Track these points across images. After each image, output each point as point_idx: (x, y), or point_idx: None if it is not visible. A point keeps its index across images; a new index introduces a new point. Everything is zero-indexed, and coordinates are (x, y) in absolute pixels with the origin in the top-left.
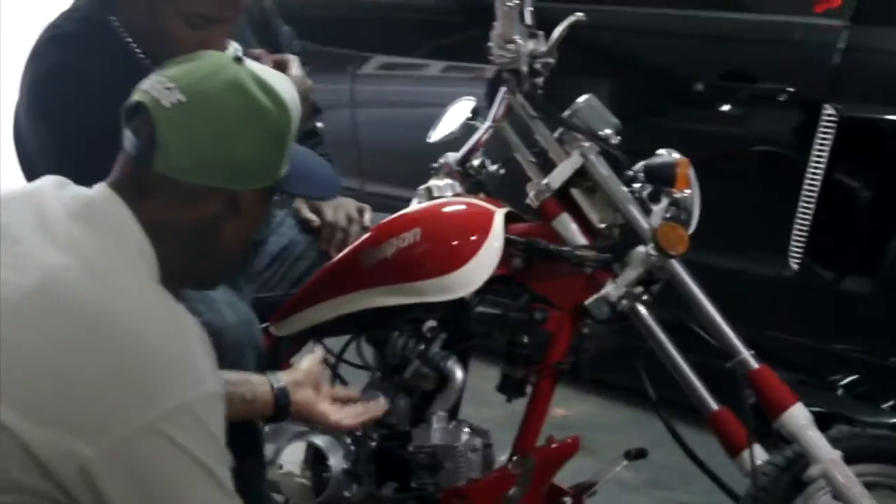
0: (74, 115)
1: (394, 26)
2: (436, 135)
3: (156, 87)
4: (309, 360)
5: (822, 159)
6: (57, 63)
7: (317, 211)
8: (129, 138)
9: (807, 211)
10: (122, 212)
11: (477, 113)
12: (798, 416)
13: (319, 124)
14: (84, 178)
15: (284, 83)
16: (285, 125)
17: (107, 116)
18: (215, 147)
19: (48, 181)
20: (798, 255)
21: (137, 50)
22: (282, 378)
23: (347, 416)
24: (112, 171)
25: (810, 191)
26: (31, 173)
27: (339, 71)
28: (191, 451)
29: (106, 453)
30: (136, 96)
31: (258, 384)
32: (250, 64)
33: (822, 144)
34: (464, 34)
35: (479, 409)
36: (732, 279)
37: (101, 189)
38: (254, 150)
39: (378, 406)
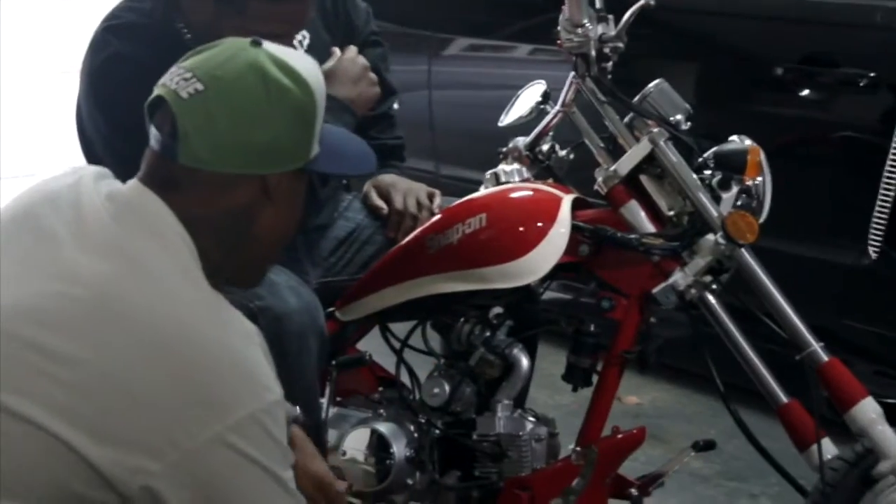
0: (131, 106)
1: (474, 7)
2: (507, 119)
3: (174, 80)
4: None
5: None
6: (115, 53)
7: (386, 197)
8: (153, 134)
9: (886, 198)
10: (160, 208)
11: (548, 97)
12: (868, 411)
13: (395, 105)
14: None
15: (306, 62)
16: (309, 104)
17: None
18: (236, 132)
19: (88, 173)
20: (877, 243)
21: None
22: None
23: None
24: (141, 167)
25: (891, 178)
26: (91, 160)
27: (417, 52)
28: (258, 459)
29: (172, 467)
30: (157, 90)
31: None
32: (269, 46)
33: None
34: (546, 16)
35: (553, 395)
36: (810, 267)
37: (134, 186)
38: (276, 131)
39: None
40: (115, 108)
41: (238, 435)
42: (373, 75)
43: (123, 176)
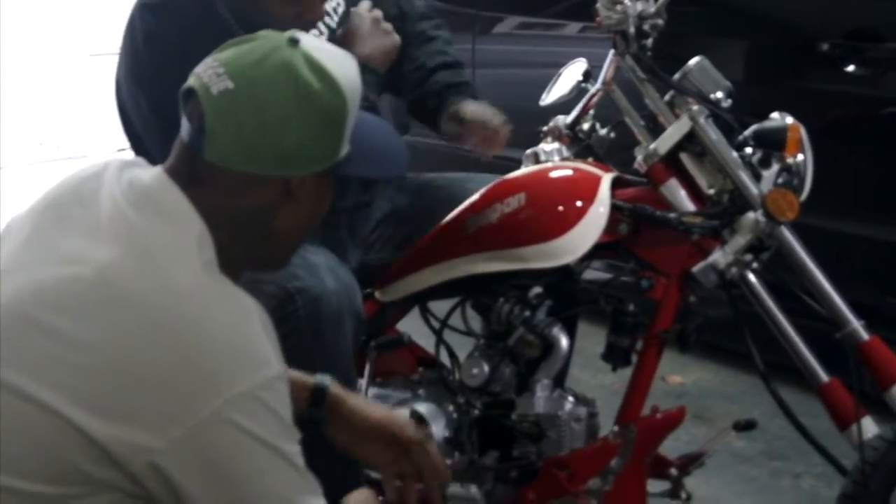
0: (171, 85)
1: None
2: (548, 98)
3: (208, 73)
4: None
5: None
6: (154, 31)
7: (456, 118)
8: (184, 124)
9: None
10: (179, 199)
11: (589, 76)
12: None
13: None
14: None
15: (343, 62)
16: (339, 108)
17: None
18: (263, 135)
19: (115, 162)
20: None
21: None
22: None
23: None
24: (170, 156)
25: None
26: (132, 138)
27: (461, 31)
28: (258, 434)
29: (175, 444)
30: (190, 80)
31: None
32: (306, 44)
33: None
34: None
35: (596, 374)
36: (854, 244)
37: (157, 175)
38: (304, 136)
39: None
40: (154, 87)
41: (237, 410)
42: (386, 25)
43: (163, 155)
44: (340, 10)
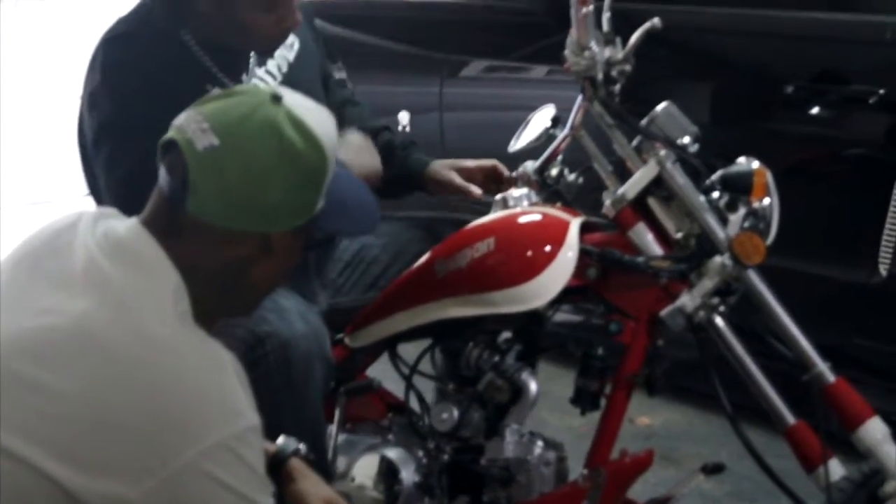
0: (125, 105)
1: (484, 29)
2: (517, 144)
3: (191, 126)
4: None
5: None
6: (117, 60)
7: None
8: (163, 176)
9: None
10: (155, 250)
11: (558, 121)
12: (875, 431)
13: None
14: (115, 167)
15: (323, 119)
16: (320, 166)
17: (160, 119)
18: (246, 192)
19: (89, 213)
20: (888, 261)
21: (209, 62)
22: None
23: None
24: (146, 206)
25: None
26: (93, 188)
27: (429, 74)
28: (231, 485)
29: (149, 494)
30: (172, 132)
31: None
32: (289, 101)
33: None
34: (557, 37)
35: (564, 417)
36: (821, 285)
37: (132, 226)
38: (286, 193)
39: None
40: (108, 110)
41: (211, 461)
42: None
43: (126, 201)
44: (296, 47)
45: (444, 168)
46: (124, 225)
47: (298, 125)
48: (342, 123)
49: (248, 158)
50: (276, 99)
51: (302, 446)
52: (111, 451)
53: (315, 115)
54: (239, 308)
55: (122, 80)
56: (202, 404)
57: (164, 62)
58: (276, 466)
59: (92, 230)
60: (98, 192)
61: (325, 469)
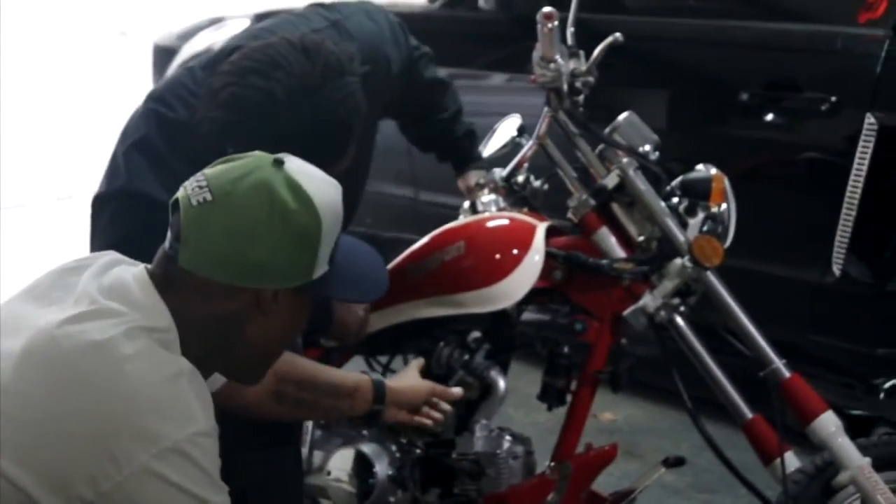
0: (143, 188)
1: (449, 38)
2: (484, 152)
3: (192, 185)
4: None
5: (864, 167)
6: (167, 149)
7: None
8: (169, 232)
9: (849, 217)
10: (153, 297)
11: (523, 130)
12: (828, 424)
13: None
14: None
15: (324, 187)
16: (313, 229)
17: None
18: (231, 246)
19: (103, 259)
20: (841, 261)
21: None
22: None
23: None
24: (153, 260)
25: (853, 198)
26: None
27: None
28: (184, 486)
29: (105, 496)
30: (178, 192)
31: (360, 379)
32: (291, 166)
33: (864, 152)
34: (522, 45)
35: (530, 413)
36: (777, 284)
37: (139, 275)
38: (272, 251)
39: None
40: (131, 186)
41: (164, 464)
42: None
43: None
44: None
45: (473, 176)
46: (131, 272)
47: (294, 188)
48: (421, 104)
49: (235, 214)
50: (278, 163)
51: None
52: (68, 456)
53: (317, 183)
54: (239, 371)
55: (165, 172)
56: (154, 410)
57: (188, 157)
58: (381, 392)
59: (98, 274)
60: None
61: (296, 458)
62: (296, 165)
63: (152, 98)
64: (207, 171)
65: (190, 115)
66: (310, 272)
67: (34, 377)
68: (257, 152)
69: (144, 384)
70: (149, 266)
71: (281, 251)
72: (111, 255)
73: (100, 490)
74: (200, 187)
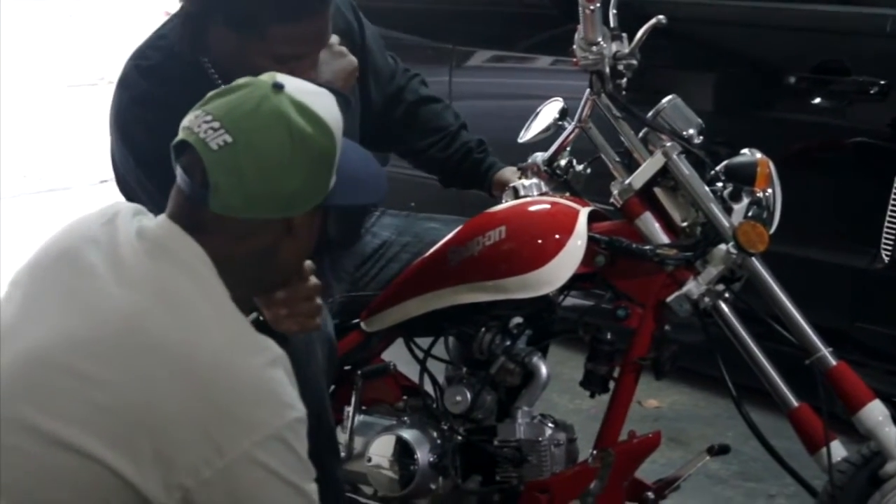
0: (160, 146)
1: (492, 20)
2: (526, 135)
3: (201, 126)
4: None
5: None
6: (142, 93)
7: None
8: (181, 176)
9: None
10: (190, 244)
11: (566, 114)
12: (875, 413)
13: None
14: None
15: (326, 101)
16: (331, 148)
17: None
18: (266, 184)
19: (124, 210)
20: (890, 247)
21: None
22: None
23: None
24: (169, 204)
25: None
26: (126, 194)
27: (438, 64)
28: (282, 474)
29: (206, 483)
30: (183, 134)
31: None
32: (290, 88)
33: None
34: (562, 28)
35: (574, 399)
36: (824, 271)
37: (164, 224)
38: (302, 178)
39: None
40: (144, 148)
41: (264, 451)
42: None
43: (156, 211)
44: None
45: (509, 171)
46: (155, 223)
47: (304, 111)
48: (415, 122)
49: (262, 151)
50: (279, 87)
51: None
52: (169, 444)
53: (318, 99)
54: (269, 287)
55: (155, 115)
56: (256, 398)
57: (190, 93)
58: None
59: (130, 229)
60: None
61: (332, 443)
62: (292, 85)
63: (131, 57)
64: (210, 108)
65: (165, 55)
66: (328, 186)
67: (124, 365)
68: (249, 78)
69: (244, 372)
70: (168, 213)
71: (308, 177)
72: (128, 205)
73: (201, 477)
74: (213, 129)
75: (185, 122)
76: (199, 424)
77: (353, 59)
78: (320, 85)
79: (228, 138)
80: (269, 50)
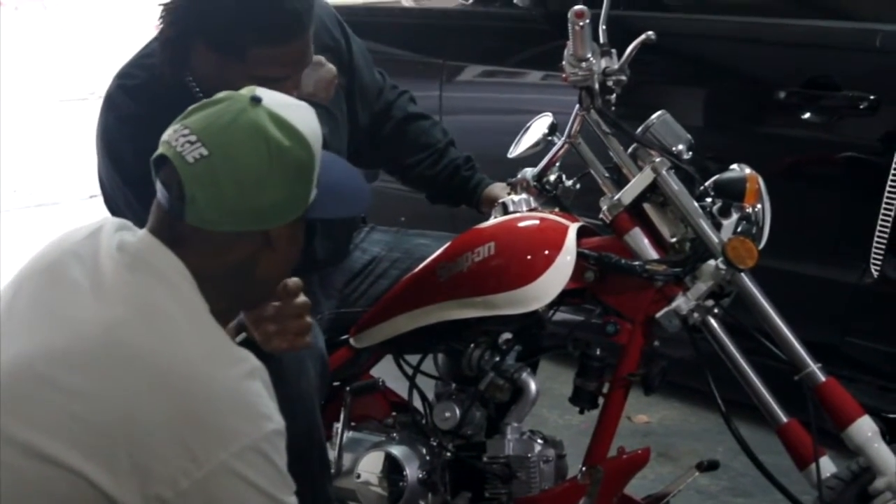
0: (145, 163)
1: (482, 35)
2: (515, 151)
3: (178, 140)
4: None
5: None
6: (129, 113)
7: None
8: (160, 190)
9: (888, 218)
10: (170, 258)
11: (555, 129)
12: (864, 429)
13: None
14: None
15: (303, 113)
16: (308, 160)
17: None
18: (241, 196)
19: (107, 225)
20: (879, 262)
21: None
22: None
23: None
24: (149, 218)
25: (892, 198)
26: (114, 213)
27: (428, 79)
28: (261, 486)
29: (184, 494)
30: (161, 149)
31: None
32: (268, 101)
33: None
34: (556, 42)
35: (563, 415)
36: (814, 286)
37: (144, 238)
38: (279, 191)
39: None
40: (131, 168)
41: (242, 462)
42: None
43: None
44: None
45: (498, 187)
46: (136, 237)
47: (281, 123)
48: (403, 139)
49: (239, 165)
50: (256, 101)
51: None
52: (146, 455)
53: (296, 112)
54: (252, 301)
55: (142, 135)
56: (232, 408)
57: (175, 111)
58: None
59: (111, 243)
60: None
61: (323, 460)
62: (270, 98)
63: (116, 76)
64: (188, 122)
65: (150, 75)
66: (308, 199)
67: (103, 377)
68: (227, 92)
69: (222, 383)
70: (148, 227)
71: (286, 189)
72: (113, 220)
73: (179, 489)
74: (190, 142)
75: (165, 136)
76: (176, 435)
77: (331, 68)
78: (301, 97)
79: (205, 151)
80: (250, 72)
